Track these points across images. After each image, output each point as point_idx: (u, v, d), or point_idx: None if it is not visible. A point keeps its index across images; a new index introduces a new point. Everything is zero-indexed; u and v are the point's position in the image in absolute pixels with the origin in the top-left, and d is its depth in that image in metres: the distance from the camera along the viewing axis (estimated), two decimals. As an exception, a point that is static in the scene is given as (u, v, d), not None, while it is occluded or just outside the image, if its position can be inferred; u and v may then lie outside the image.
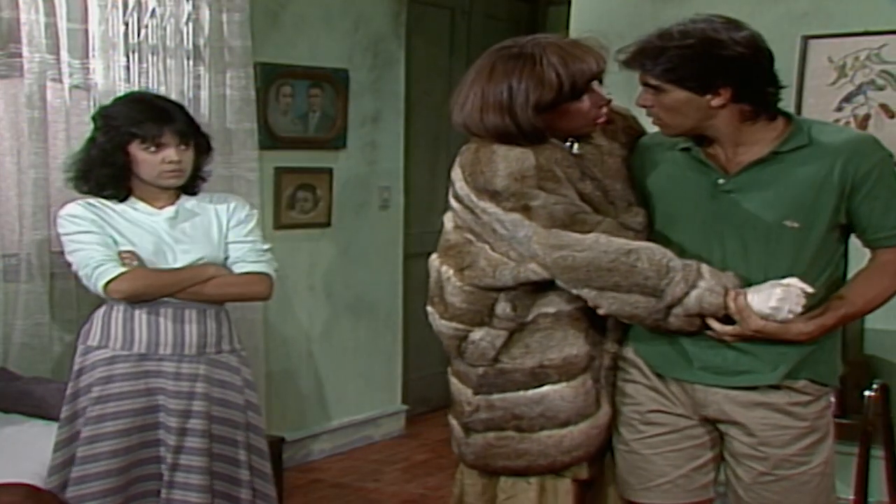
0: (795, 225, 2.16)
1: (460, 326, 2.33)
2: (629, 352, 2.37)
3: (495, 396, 2.34)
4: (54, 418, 3.06)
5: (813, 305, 2.17)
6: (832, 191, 2.15)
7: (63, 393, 2.97)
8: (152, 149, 2.73)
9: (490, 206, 2.22)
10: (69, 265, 2.79)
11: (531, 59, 2.23)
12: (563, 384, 2.30)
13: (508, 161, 2.20)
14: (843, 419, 3.19)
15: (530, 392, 2.31)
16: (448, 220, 2.38)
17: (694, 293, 2.14)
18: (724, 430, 2.30)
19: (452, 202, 2.34)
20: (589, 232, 2.19)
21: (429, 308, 2.40)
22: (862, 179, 2.14)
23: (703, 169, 2.25)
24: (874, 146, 2.20)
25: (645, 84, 2.19)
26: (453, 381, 2.43)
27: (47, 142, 3.40)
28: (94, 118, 2.88)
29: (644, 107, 2.23)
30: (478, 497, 2.43)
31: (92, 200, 2.79)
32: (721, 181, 2.22)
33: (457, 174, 2.30)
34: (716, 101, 2.14)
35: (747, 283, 2.17)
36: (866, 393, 3.22)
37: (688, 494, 2.35)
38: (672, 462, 2.33)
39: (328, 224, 4.58)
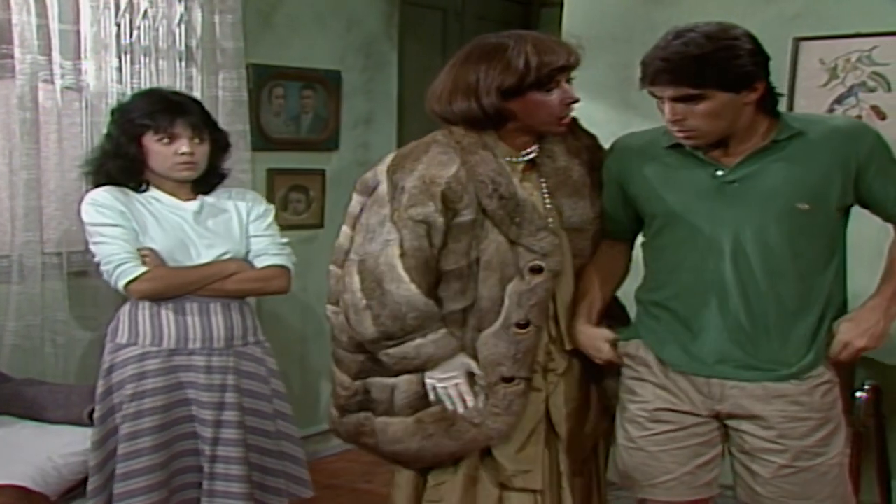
0: (807, 207, 2.20)
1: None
2: (639, 349, 2.38)
3: (369, 380, 2.50)
4: (46, 420, 3.06)
5: (821, 296, 2.23)
6: (836, 172, 2.20)
7: (53, 395, 2.97)
8: (165, 140, 2.77)
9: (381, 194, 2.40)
10: (85, 256, 2.88)
11: (504, 47, 2.30)
12: (408, 375, 2.41)
13: (429, 166, 2.30)
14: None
15: (389, 379, 2.44)
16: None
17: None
18: (735, 426, 2.31)
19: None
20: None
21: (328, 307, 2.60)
22: (867, 159, 2.21)
23: (698, 163, 2.26)
24: (864, 128, 2.29)
25: (676, 99, 2.15)
26: (333, 369, 2.61)
27: (39, 143, 3.39)
28: (111, 112, 2.92)
29: (675, 122, 2.19)
30: (401, 489, 2.56)
31: (118, 188, 2.79)
32: (720, 173, 2.23)
33: (386, 160, 2.44)
34: (752, 97, 2.17)
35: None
36: (858, 394, 3.22)
37: (692, 491, 2.37)
38: (678, 459, 2.35)
39: (321, 225, 4.57)
